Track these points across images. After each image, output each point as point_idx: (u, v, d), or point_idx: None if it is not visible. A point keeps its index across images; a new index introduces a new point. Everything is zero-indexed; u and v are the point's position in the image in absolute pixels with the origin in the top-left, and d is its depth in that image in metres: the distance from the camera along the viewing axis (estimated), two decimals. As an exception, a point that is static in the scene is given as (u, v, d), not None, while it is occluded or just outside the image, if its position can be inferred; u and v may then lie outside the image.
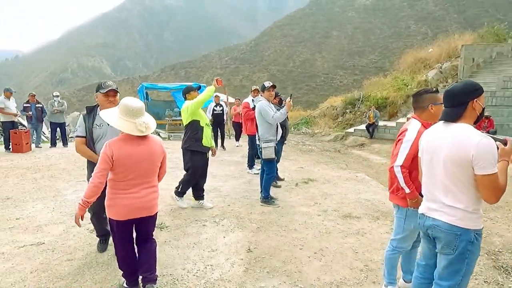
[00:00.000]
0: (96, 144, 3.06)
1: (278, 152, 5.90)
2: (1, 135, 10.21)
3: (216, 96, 10.27)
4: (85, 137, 3.08)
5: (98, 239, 3.42)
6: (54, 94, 10.26)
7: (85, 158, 3.20)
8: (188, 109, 4.44)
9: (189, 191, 4.79)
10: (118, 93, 3.06)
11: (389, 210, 4.75)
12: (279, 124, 5.37)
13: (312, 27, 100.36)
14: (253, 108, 7.01)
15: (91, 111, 3.12)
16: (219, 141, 10.18)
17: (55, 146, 10.17)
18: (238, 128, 10.96)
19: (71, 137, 12.78)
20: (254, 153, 7.04)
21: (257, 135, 5.13)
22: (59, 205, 4.71)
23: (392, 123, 13.40)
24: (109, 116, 2.43)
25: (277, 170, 6.07)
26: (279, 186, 5.90)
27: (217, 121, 10.04)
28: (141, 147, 2.41)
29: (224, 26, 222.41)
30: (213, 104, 10.01)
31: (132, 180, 2.41)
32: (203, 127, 4.53)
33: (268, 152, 4.91)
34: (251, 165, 7.16)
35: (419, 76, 17.06)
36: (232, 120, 11.17)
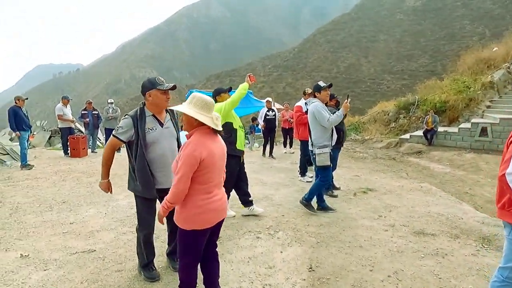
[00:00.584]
0: (149, 150, 2.63)
1: (334, 158, 5.45)
2: (60, 140, 10.73)
3: (268, 101, 10.01)
4: (124, 142, 2.70)
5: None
6: (108, 101, 10.65)
7: (103, 162, 2.86)
8: (222, 110, 3.96)
9: (237, 201, 4.51)
10: None
11: (470, 227, 4.11)
12: (334, 128, 4.96)
13: (357, 32, 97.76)
14: (306, 112, 6.71)
15: (142, 114, 2.65)
16: (268, 148, 9.83)
17: (108, 151, 10.50)
18: (286, 134, 10.61)
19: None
20: (306, 160, 6.65)
21: (310, 140, 4.74)
22: (111, 210, 4.65)
23: (453, 129, 12.25)
24: (185, 109, 2.13)
25: (332, 178, 5.62)
26: (336, 196, 5.43)
27: (269, 127, 9.70)
28: (217, 144, 2.21)
29: (267, 35, 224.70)
30: (265, 109, 9.73)
31: (213, 181, 2.20)
32: (236, 129, 4.15)
33: (322, 158, 4.50)
34: (303, 172, 6.75)
35: (482, 78, 15.54)
36: (281, 126, 10.84)
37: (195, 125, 2.14)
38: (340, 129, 5.36)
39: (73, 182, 6.32)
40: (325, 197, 5.33)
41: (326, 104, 5.51)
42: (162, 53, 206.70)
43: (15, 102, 7.82)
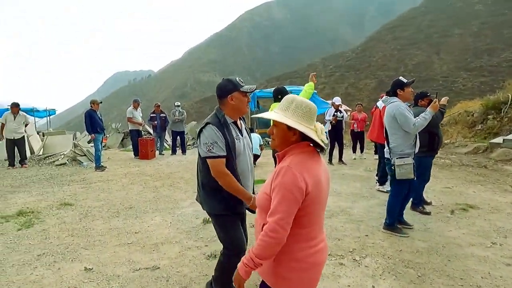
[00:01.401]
0: (236, 161, 2.20)
1: (426, 168, 4.62)
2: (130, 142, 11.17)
3: (333, 102, 9.25)
4: (226, 156, 2.14)
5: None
6: (175, 104, 10.78)
7: (227, 189, 2.17)
8: None
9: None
10: None
11: None
12: (428, 132, 4.18)
13: (428, 27, 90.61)
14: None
15: (225, 121, 2.19)
16: (335, 153, 9.02)
17: (175, 154, 10.64)
18: (356, 138, 9.72)
19: (189, 145, 13.42)
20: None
21: (386, 147, 3.99)
22: (177, 219, 4.38)
23: (563, 132, 10.25)
24: (284, 119, 1.48)
25: (422, 189, 4.78)
26: (428, 213, 4.57)
27: (336, 128, 8.93)
28: (322, 167, 1.52)
29: (329, 35, 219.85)
30: (333, 109, 8.98)
31: (317, 222, 1.52)
32: None
33: (404, 170, 3.74)
34: (382, 180, 5.94)
35: None
36: (350, 128, 9.98)
37: (292, 140, 1.50)
38: (434, 133, 4.51)
39: (140, 186, 6.29)
40: (416, 214, 4.54)
41: (415, 105, 4.74)
42: (225, 58, 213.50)
43: (91, 106, 8.15)
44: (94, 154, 8.26)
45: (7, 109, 9.05)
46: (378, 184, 6.05)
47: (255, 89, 2.27)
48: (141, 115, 9.94)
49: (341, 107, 9.99)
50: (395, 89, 3.89)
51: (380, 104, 6.11)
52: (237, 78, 2.20)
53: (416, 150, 3.96)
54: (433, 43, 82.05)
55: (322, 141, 1.47)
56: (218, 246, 2.57)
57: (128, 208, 4.88)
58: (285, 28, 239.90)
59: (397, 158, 3.73)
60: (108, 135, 16.39)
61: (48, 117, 18.92)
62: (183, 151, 10.82)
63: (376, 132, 6.28)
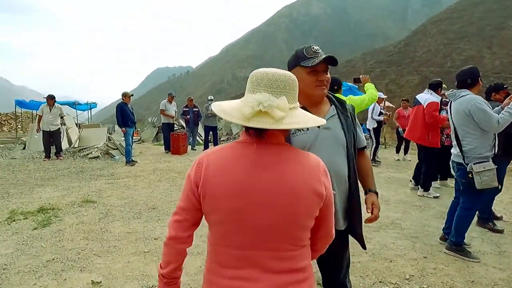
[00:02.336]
0: None
1: (499, 175, 3.80)
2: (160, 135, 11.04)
3: (379, 98, 8.43)
4: None
5: None
6: (209, 98, 10.43)
7: None
8: (363, 104, 3.57)
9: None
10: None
11: None
12: (499, 132, 3.40)
13: (480, 19, 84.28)
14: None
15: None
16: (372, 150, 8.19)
17: (208, 149, 10.34)
18: (401, 137, 8.82)
19: (223, 141, 13.08)
20: (432, 170, 5.38)
21: (456, 151, 3.25)
22: (202, 225, 3.93)
23: None
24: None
25: (492, 201, 3.98)
26: (501, 231, 3.78)
27: (380, 126, 8.20)
28: (250, 166, 1.01)
29: (369, 29, 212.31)
30: (378, 106, 8.19)
31: (238, 245, 1.02)
32: None
33: (486, 178, 3.02)
34: (426, 186, 5.23)
35: None
36: (395, 127, 9.11)
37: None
38: (509, 133, 3.70)
39: (167, 183, 5.95)
40: (485, 232, 3.77)
41: (488, 99, 3.95)
42: (262, 54, 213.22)
43: (122, 99, 7.97)
44: (124, 149, 8.09)
45: (44, 102, 9.12)
46: (419, 188, 5.30)
47: (328, 59, 1.49)
48: (175, 109, 9.71)
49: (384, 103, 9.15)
50: (476, 78, 3.17)
51: (422, 97, 5.21)
52: (306, 49, 1.54)
53: (495, 153, 3.23)
54: (485, 37, 76.20)
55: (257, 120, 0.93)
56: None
57: (151, 208, 4.51)
58: (323, 23, 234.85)
59: (474, 164, 3.01)
60: (144, 129, 16.52)
61: (89, 110, 19.53)
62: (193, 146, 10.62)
63: (419, 132, 5.33)
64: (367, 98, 3.63)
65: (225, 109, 0.99)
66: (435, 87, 5.16)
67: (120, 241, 3.47)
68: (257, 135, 0.98)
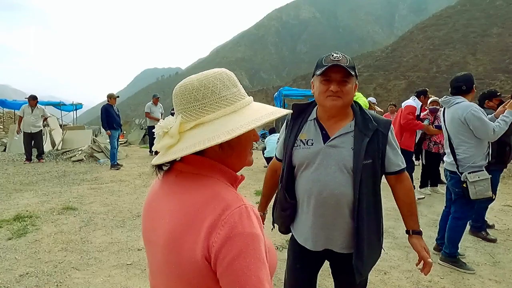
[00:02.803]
0: (297, 182, 1.51)
1: (493, 184, 3.74)
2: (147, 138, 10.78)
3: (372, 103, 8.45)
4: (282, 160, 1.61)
5: None
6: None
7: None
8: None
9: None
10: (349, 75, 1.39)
11: None
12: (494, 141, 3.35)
13: (464, 26, 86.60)
14: (418, 117, 5.25)
15: (302, 113, 1.55)
16: None
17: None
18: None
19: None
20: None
21: (450, 159, 3.18)
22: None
23: None
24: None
25: (485, 210, 3.93)
26: (494, 240, 3.72)
27: None
28: (157, 190, 0.86)
29: (358, 33, 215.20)
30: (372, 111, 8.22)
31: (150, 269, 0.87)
32: None
33: (481, 188, 2.97)
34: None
35: None
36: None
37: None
38: (505, 142, 3.65)
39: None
40: (478, 241, 3.71)
41: (481, 107, 3.90)
42: (252, 56, 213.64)
43: (108, 100, 7.72)
44: (109, 152, 7.84)
45: (25, 102, 8.78)
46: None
47: (325, 69, 1.34)
48: (161, 111, 9.46)
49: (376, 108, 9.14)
50: (471, 85, 3.10)
51: (405, 103, 5.37)
52: (327, 55, 1.40)
53: (489, 162, 3.17)
54: (469, 43, 78.23)
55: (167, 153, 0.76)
56: None
57: (136, 216, 4.31)
58: (313, 27, 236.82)
59: (469, 173, 2.93)
60: (131, 131, 16.19)
61: (75, 111, 19.06)
62: None
63: (396, 134, 5.41)
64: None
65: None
66: (419, 94, 5.37)
67: (101, 252, 3.27)
68: (165, 171, 0.84)
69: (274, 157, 1.71)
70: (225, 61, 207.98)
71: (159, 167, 0.81)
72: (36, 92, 9.15)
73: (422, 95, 5.35)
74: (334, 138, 1.42)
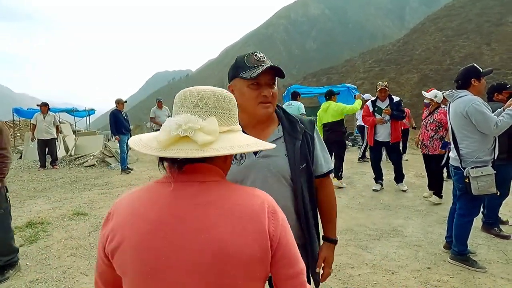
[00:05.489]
0: None
1: (505, 180, 3.64)
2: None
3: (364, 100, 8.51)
4: None
5: None
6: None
7: None
8: (344, 111, 5.90)
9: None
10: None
11: None
12: (503, 134, 3.24)
13: (478, 15, 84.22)
14: (373, 112, 5.54)
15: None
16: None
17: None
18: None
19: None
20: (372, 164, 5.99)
21: (454, 154, 3.09)
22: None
23: None
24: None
25: (499, 206, 3.82)
26: (508, 236, 3.61)
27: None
28: (162, 213, 0.76)
29: (368, 28, 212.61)
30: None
31: None
32: None
33: (483, 183, 2.87)
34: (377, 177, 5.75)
35: None
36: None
37: None
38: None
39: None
40: (490, 238, 3.61)
41: (490, 100, 3.80)
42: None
43: (116, 106, 7.83)
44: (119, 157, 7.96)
45: (37, 110, 8.98)
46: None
47: (259, 72, 1.19)
48: (167, 113, 9.51)
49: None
50: (467, 79, 3.00)
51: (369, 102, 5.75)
52: (248, 54, 1.28)
53: (495, 156, 3.07)
54: (483, 33, 76.07)
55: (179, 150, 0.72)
56: None
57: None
58: (322, 24, 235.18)
59: (471, 168, 2.86)
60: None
61: (88, 117, 19.42)
62: None
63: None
64: (348, 107, 5.95)
65: (142, 139, 0.78)
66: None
67: (109, 257, 3.32)
68: (175, 170, 0.76)
69: None
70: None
71: (177, 170, 0.76)
72: (51, 99, 9.42)
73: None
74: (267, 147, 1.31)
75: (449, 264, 3.07)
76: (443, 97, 5.36)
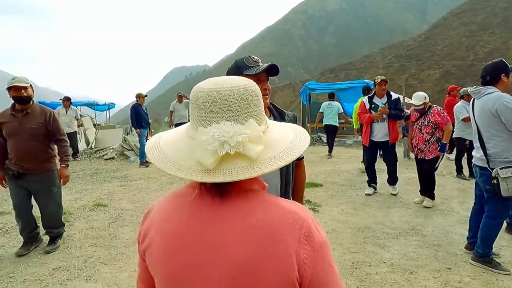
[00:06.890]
0: None
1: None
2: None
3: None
4: None
5: None
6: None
7: None
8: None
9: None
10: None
11: None
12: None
13: (504, 9, 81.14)
14: (370, 110, 5.09)
15: None
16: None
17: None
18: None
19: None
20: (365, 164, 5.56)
21: (479, 154, 2.97)
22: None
23: None
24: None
25: None
26: (530, 239, 3.49)
27: None
28: (195, 222, 0.70)
29: (388, 23, 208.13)
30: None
31: None
32: None
33: None
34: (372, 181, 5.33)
35: None
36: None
37: None
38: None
39: (179, 185, 5.86)
40: (508, 240, 3.50)
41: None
42: (278, 51, 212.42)
43: (136, 100, 7.96)
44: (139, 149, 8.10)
45: (59, 104, 9.23)
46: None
47: (262, 68, 1.48)
48: (186, 108, 9.60)
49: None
50: (497, 74, 2.89)
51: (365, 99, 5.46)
52: (246, 57, 1.56)
53: None
54: (510, 27, 73.27)
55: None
56: None
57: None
58: (340, 19, 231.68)
59: (501, 169, 2.75)
60: (161, 129, 16.63)
61: (108, 111, 19.85)
62: None
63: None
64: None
65: (167, 154, 0.68)
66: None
67: (128, 248, 3.39)
68: (218, 190, 0.67)
69: None
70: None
71: (221, 190, 0.67)
72: (72, 93, 9.69)
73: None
74: None
75: (470, 265, 2.99)
76: (468, 93, 5.21)
